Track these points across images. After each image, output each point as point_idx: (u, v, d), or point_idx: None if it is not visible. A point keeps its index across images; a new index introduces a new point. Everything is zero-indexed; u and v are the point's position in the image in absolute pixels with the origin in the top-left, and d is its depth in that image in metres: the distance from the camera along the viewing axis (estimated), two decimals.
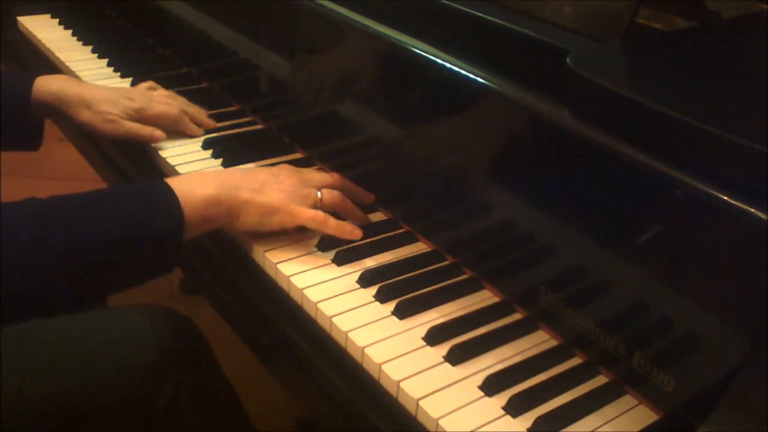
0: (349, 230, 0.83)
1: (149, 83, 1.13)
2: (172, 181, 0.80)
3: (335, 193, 0.86)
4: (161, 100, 1.06)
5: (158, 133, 1.03)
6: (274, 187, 0.83)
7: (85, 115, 1.01)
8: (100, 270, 0.74)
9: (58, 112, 1.03)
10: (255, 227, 0.83)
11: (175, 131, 1.05)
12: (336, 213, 0.87)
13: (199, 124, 1.07)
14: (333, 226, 0.83)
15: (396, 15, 0.88)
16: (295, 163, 1.01)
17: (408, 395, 0.67)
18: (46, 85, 1.01)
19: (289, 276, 0.80)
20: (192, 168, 0.98)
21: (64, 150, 1.13)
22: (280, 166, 0.90)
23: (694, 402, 0.63)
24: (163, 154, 1.01)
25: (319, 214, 0.82)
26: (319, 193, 0.85)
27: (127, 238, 0.74)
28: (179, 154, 1.01)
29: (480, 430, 0.64)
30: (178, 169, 0.98)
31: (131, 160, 1.06)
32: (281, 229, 0.83)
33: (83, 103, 1.01)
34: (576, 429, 0.66)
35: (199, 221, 0.79)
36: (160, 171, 1.01)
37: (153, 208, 0.76)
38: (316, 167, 1.00)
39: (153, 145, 1.02)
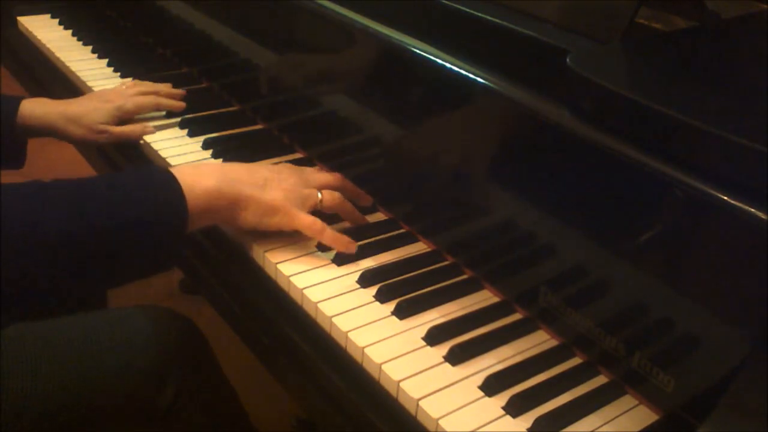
0: (345, 243, 0.82)
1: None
2: (175, 171, 0.79)
3: (336, 194, 0.86)
4: (133, 92, 1.09)
5: (149, 128, 1.06)
6: (276, 186, 0.83)
7: (76, 132, 1.04)
8: (101, 257, 0.73)
9: (49, 134, 1.05)
10: (254, 225, 0.82)
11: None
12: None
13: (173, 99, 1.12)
14: (330, 236, 0.82)
15: (396, 15, 0.88)
16: (295, 163, 1.01)
17: (408, 395, 0.67)
18: (30, 110, 1.03)
19: (289, 276, 0.80)
20: None
21: (63, 150, 1.14)
22: (282, 164, 0.90)
23: (694, 402, 0.63)
24: (163, 154, 1.01)
25: (318, 222, 0.82)
26: (319, 194, 0.85)
27: (129, 224, 0.72)
28: (180, 154, 1.01)
29: (480, 430, 0.64)
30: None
31: (132, 161, 1.06)
32: (279, 230, 0.83)
33: (70, 121, 1.04)
34: (576, 429, 0.66)
35: (201, 212, 0.78)
36: None
37: (156, 195, 0.75)
38: (316, 167, 1.00)
39: (154, 146, 1.03)
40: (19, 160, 1.06)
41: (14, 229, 0.67)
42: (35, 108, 1.04)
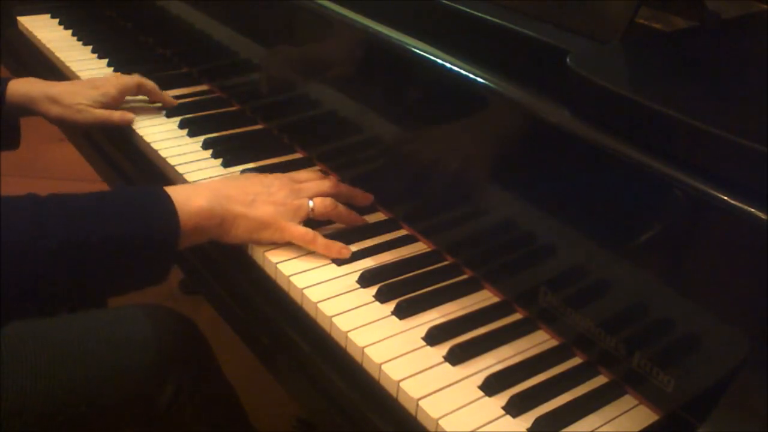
0: (336, 250, 0.83)
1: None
2: (169, 190, 0.79)
3: (327, 201, 0.86)
4: (119, 76, 1.11)
5: (129, 116, 1.07)
6: (266, 200, 0.83)
7: (55, 110, 1.05)
8: (95, 271, 0.74)
9: (31, 111, 1.06)
10: (245, 241, 0.83)
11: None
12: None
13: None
14: (321, 245, 0.82)
15: (396, 15, 0.88)
16: (295, 163, 1.01)
17: (408, 395, 0.67)
18: (15, 87, 1.05)
19: (289, 276, 0.80)
20: (192, 168, 0.98)
21: (64, 150, 1.14)
22: (274, 175, 0.89)
23: (694, 402, 0.63)
24: (163, 154, 1.01)
25: (309, 232, 0.82)
26: (311, 203, 0.85)
27: (122, 240, 0.73)
28: (180, 154, 1.01)
29: (480, 430, 0.64)
30: (179, 169, 0.98)
31: (132, 160, 1.06)
32: (271, 243, 0.83)
33: (50, 100, 1.05)
34: (576, 429, 0.66)
35: (191, 231, 0.78)
36: (161, 171, 1.01)
37: (150, 212, 0.76)
38: (316, 168, 1.00)
39: (154, 146, 1.02)
40: (14, 140, 1.08)
41: (11, 243, 0.68)
42: (20, 86, 1.05)
